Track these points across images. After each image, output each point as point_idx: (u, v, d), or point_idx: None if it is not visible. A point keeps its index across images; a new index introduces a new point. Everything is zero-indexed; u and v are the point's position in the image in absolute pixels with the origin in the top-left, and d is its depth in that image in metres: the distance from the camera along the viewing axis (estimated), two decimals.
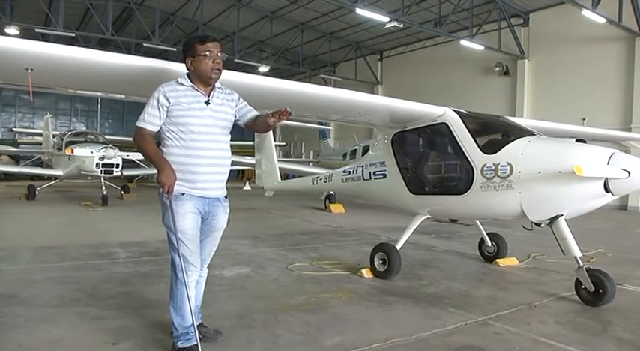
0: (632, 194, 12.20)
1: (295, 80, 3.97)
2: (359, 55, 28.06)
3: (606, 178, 4.30)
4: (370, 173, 6.46)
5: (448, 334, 3.72)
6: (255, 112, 3.37)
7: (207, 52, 3.08)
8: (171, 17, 23.92)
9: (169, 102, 3.05)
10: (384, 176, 6.21)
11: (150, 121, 3.06)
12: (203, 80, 3.14)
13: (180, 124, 3.07)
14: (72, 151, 14.20)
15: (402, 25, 19.23)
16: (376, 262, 5.57)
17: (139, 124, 3.09)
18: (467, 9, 19.41)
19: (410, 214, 5.99)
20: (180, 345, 3.15)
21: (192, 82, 3.14)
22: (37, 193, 14.73)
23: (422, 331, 3.71)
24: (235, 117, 3.34)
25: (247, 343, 3.44)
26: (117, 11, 22.91)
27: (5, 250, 6.69)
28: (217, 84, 3.24)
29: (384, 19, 18.04)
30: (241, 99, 3.38)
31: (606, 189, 4.34)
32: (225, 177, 3.31)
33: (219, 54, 3.13)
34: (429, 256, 7.11)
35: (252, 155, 12.98)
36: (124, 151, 14.77)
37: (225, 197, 3.35)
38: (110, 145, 14.55)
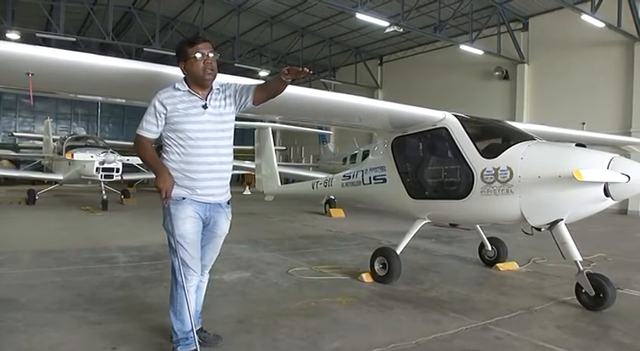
0: (632, 198, 12.17)
1: (295, 85, 3.96)
2: (359, 60, 28.12)
3: (606, 183, 4.30)
4: (370, 178, 6.45)
5: (449, 338, 3.71)
6: (255, 84, 3.25)
7: (198, 54, 3.05)
8: (171, 22, 23.97)
9: (166, 109, 3.04)
10: (384, 181, 6.21)
11: (148, 128, 3.07)
12: (199, 83, 3.11)
13: (179, 131, 3.06)
14: (72, 156, 14.18)
15: (401, 30, 19.28)
16: (376, 267, 5.55)
17: (138, 131, 3.10)
18: (466, 14, 19.47)
19: (410, 219, 5.98)
20: (179, 350, 3.14)
21: (189, 86, 3.12)
22: (36, 197, 14.72)
23: (422, 336, 3.71)
24: (241, 106, 3.24)
25: (247, 348, 3.43)
26: (117, 16, 22.98)
27: (5, 254, 6.67)
28: (215, 85, 3.20)
29: (384, 23, 18.07)
30: (238, 84, 3.27)
31: (606, 193, 4.34)
32: (227, 182, 3.29)
33: (210, 54, 3.08)
34: (430, 260, 7.10)
35: (252, 160, 12.98)
36: (124, 155, 14.76)
37: (228, 203, 3.33)
38: (110, 150, 14.54)
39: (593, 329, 4.04)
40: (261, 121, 10.79)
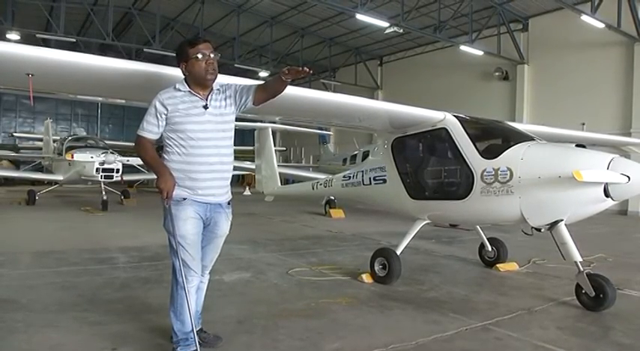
0: (632, 199, 12.18)
1: (295, 85, 3.96)
2: (359, 61, 28.12)
3: (606, 183, 4.30)
4: (370, 178, 6.45)
5: (449, 339, 3.71)
6: (255, 84, 3.26)
7: (199, 54, 3.05)
8: (171, 22, 23.97)
9: (167, 109, 3.04)
10: (384, 181, 6.21)
11: (149, 129, 3.07)
12: (200, 83, 3.12)
13: (180, 131, 3.06)
14: (72, 156, 14.19)
15: (401, 31, 19.30)
16: (376, 267, 5.55)
17: (139, 132, 3.10)
18: (466, 14, 19.47)
19: (410, 219, 5.98)
20: (179, 350, 3.14)
21: (189, 86, 3.12)
22: (37, 197, 14.73)
23: (422, 337, 3.70)
24: (241, 107, 3.25)
25: (247, 348, 3.43)
26: (117, 16, 22.98)
27: (5, 255, 6.67)
28: (216, 85, 3.20)
29: (384, 24, 18.07)
30: (238, 85, 3.28)
31: (606, 194, 4.34)
32: (227, 182, 3.30)
33: (211, 54, 3.09)
34: (429, 261, 7.10)
35: (252, 160, 12.97)
36: (124, 156, 14.77)
37: (229, 203, 3.33)
38: (110, 150, 14.54)
39: (594, 330, 4.05)
40: (261, 121, 10.79)
